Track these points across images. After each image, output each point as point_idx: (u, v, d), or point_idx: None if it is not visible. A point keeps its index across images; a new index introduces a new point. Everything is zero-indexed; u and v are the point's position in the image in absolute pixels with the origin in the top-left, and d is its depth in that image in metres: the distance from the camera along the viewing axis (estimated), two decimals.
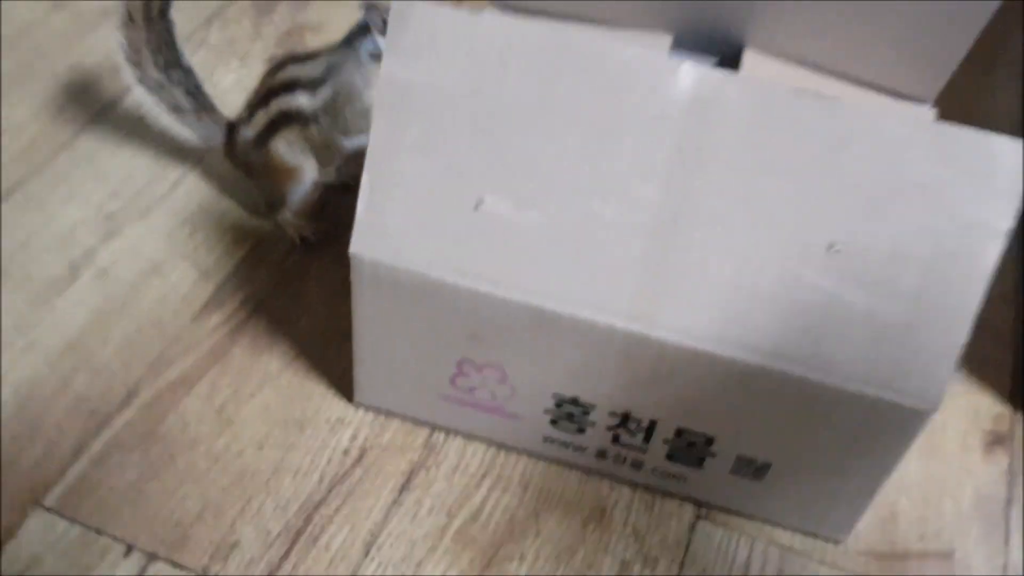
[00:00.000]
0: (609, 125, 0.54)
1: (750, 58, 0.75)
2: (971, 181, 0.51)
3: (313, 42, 0.98)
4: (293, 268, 0.77)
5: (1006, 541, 0.67)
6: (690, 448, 0.62)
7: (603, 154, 0.55)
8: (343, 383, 0.69)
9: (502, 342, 0.59)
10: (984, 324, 0.81)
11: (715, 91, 0.53)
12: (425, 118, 0.55)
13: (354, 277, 0.59)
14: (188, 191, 0.82)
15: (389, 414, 0.69)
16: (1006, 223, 0.52)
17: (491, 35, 0.54)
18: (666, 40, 0.77)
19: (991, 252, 0.52)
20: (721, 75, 0.53)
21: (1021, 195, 0.51)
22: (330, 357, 0.71)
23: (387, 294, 0.59)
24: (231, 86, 0.92)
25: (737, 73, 0.71)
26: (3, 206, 0.79)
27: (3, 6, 0.98)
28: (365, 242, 0.58)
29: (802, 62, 0.75)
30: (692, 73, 0.53)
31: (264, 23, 1.00)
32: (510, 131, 0.55)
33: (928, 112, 0.72)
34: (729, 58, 0.80)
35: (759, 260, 0.55)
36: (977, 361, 0.78)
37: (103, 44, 0.93)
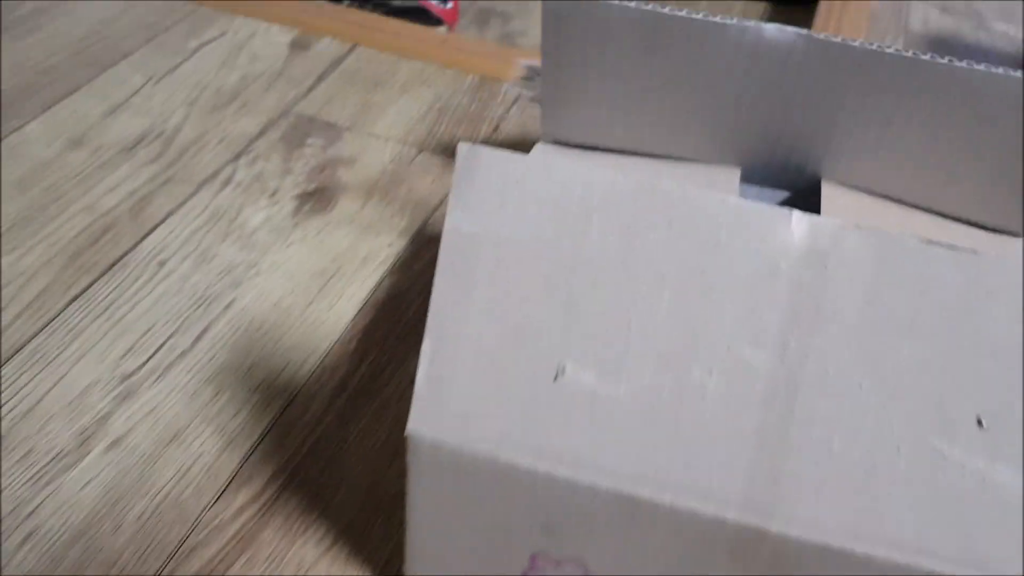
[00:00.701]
0: (708, 282, 0.48)
1: (829, 191, 0.69)
2: None
3: (346, 177, 0.93)
4: (330, 429, 0.70)
5: None
6: None
7: (703, 316, 0.48)
8: (390, 569, 0.61)
9: (585, 535, 0.51)
10: None
11: (832, 242, 0.47)
12: (495, 276, 0.49)
13: (411, 460, 0.52)
14: (212, 345, 0.75)
15: None
16: None
17: (568, 183, 0.48)
18: (734, 174, 0.71)
19: None
20: (838, 224, 0.47)
21: None
22: (374, 538, 0.63)
23: (449, 479, 0.52)
24: (260, 224, 0.86)
25: (818, 212, 0.65)
26: (6, 368, 0.72)
27: (17, 143, 0.93)
28: (425, 420, 0.50)
29: (884, 195, 0.69)
30: (804, 222, 0.47)
31: (295, 158, 0.95)
32: (593, 291, 0.48)
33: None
34: (802, 191, 0.74)
35: (894, 437, 0.47)
36: None
37: (123, 185, 0.89)
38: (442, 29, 1.24)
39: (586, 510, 0.50)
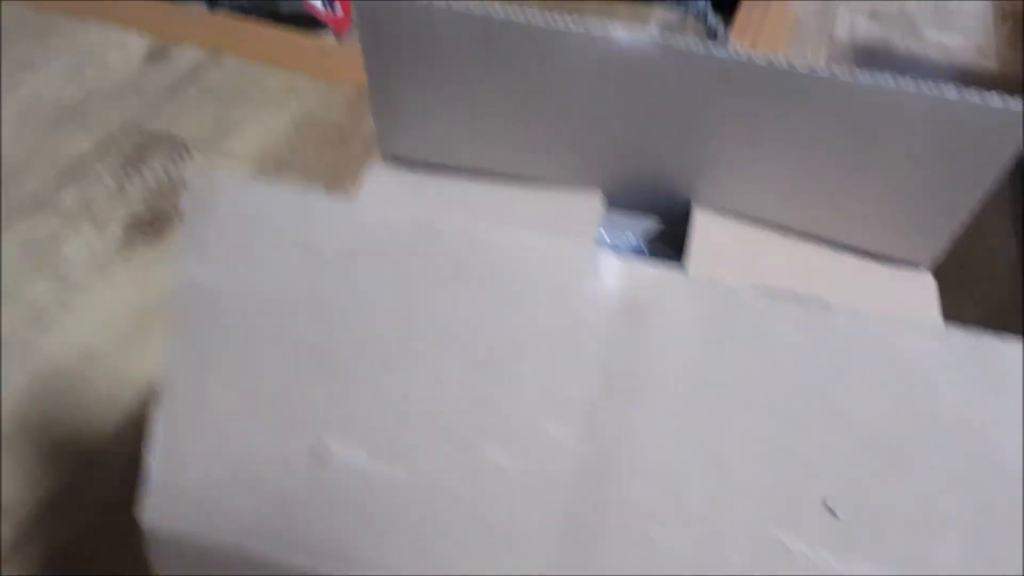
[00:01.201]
0: (505, 345, 0.39)
1: (701, 219, 0.61)
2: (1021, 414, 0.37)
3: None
4: (124, 502, 0.61)
5: None
6: None
7: (498, 385, 0.40)
8: None
9: None
10: None
11: (653, 294, 0.39)
12: (239, 337, 0.40)
13: (152, 553, 0.43)
14: (5, 397, 0.66)
15: None
16: None
17: (330, 221, 0.40)
18: (596, 198, 0.63)
19: None
20: (659, 273, 0.39)
21: None
22: None
23: (196, 571, 0.43)
24: (80, 256, 0.77)
25: (683, 260, 0.57)
26: None
27: None
28: (163, 508, 0.42)
29: (765, 220, 0.62)
30: (618, 271, 0.39)
31: (131, 180, 0.86)
32: (361, 354, 0.40)
33: (928, 280, 0.58)
34: (674, 217, 0.67)
35: (726, 526, 0.39)
36: None
37: None
38: (329, 37, 1.16)
39: None
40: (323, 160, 0.91)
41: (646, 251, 0.67)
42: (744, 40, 1.20)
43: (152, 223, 0.81)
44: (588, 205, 0.62)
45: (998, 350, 0.36)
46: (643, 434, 0.39)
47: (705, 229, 0.60)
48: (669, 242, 0.66)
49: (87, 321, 0.72)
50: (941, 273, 0.76)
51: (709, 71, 0.55)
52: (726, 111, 0.56)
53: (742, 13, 1.23)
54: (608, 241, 0.68)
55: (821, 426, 0.38)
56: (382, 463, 0.40)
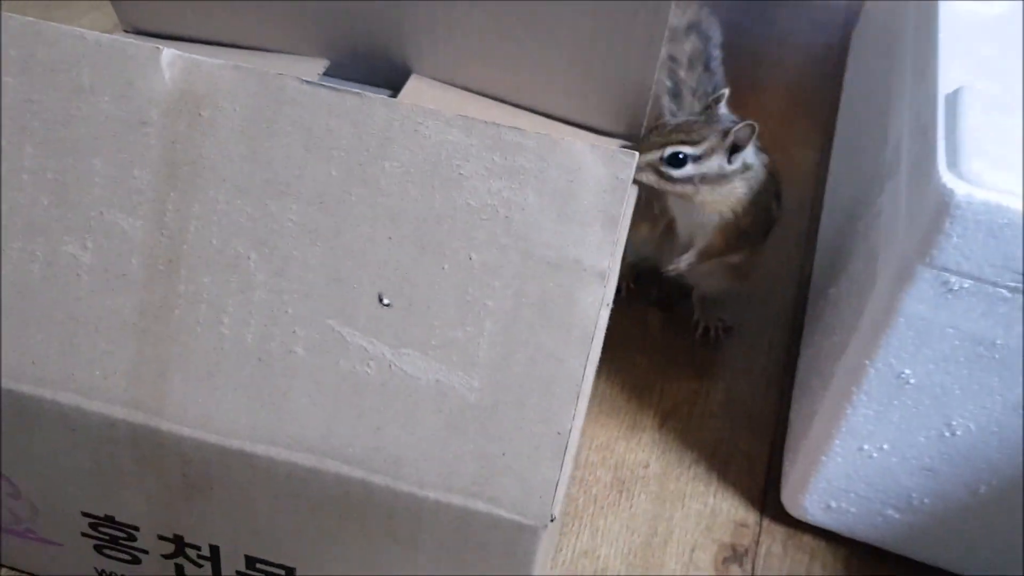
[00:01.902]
0: (75, 135, 0.41)
1: (413, 85, 0.63)
2: (548, 204, 0.38)
3: None
4: None
5: None
6: None
7: (72, 177, 0.41)
8: None
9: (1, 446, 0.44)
10: (736, 406, 0.69)
11: (208, 86, 0.40)
12: None
13: None
14: None
15: None
16: (602, 260, 0.38)
17: None
18: (320, 66, 0.65)
19: (588, 300, 0.39)
20: (215, 64, 0.40)
21: (616, 219, 0.38)
22: None
23: None
24: None
25: None
26: None
27: None
28: None
29: (480, 91, 0.63)
30: (179, 63, 0.40)
31: None
32: None
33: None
34: (398, 88, 0.68)
35: (290, 318, 0.41)
36: (722, 454, 0.64)
37: None
38: None
39: None
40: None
41: None
42: None
43: None
44: (308, 70, 0.64)
45: (515, 139, 0.37)
46: (206, 225, 0.40)
47: (414, 93, 0.62)
48: None
49: None
50: None
51: None
52: None
53: None
54: None
55: (367, 216, 0.39)
56: None
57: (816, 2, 1.23)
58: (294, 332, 0.41)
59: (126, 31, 0.68)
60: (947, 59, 0.55)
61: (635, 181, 0.57)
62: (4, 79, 0.41)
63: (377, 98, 0.39)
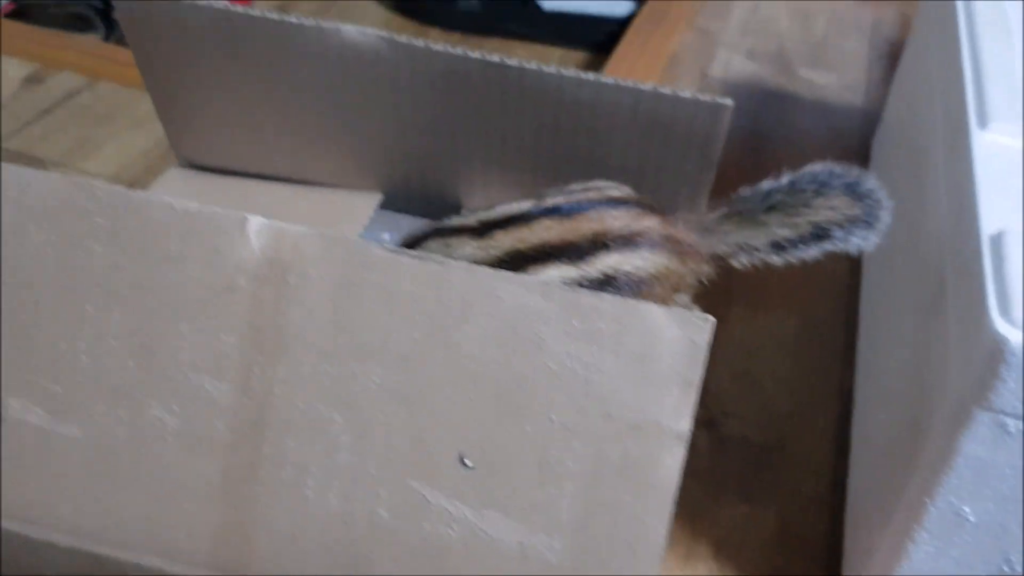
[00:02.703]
0: (161, 301, 0.42)
1: None
2: (627, 367, 0.39)
3: None
4: None
5: None
6: None
7: (158, 341, 0.42)
8: None
9: None
10: (789, 532, 0.69)
11: (294, 253, 0.41)
12: None
13: None
14: None
15: None
16: (682, 423, 0.39)
17: (2, 185, 0.42)
18: (374, 200, 0.67)
19: (668, 462, 0.39)
20: (301, 232, 0.41)
21: (694, 383, 0.38)
22: None
23: None
24: None
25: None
26: None
27: None
28: None
29: None
30: (264, 230, 0.41)
31: None
32: (35, 314, 0.42)
33: None
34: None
35: (373, 480, 0.41)
36: None
37: None
38: None
39: (48, 568, 0.44)
40: None
41: None
42: (618, 73, 1.24)
43: None
44: (364, 203, 0.65)
45: (592, 303, 0.38)
46: (291, 389, 0.41)
47: None
48: None
49: None
50: (766, 290, 0.79)
51: (432, 65, 0.57)
52: (459, 103, 0.59)
53: (620, 47, 1.27)
54: (390, 241, 0.71)
55: (448, 378, 0.40)
56: (58, 421, 0.42)
57: (835, 107, 1.25)
58: (377, 494, 0.41)
59: (180, 165, 0.70)
60: (987, 198, 0.56)
61: None
62: (93, 246, 0.42)
63: (458, 265, 0.40)
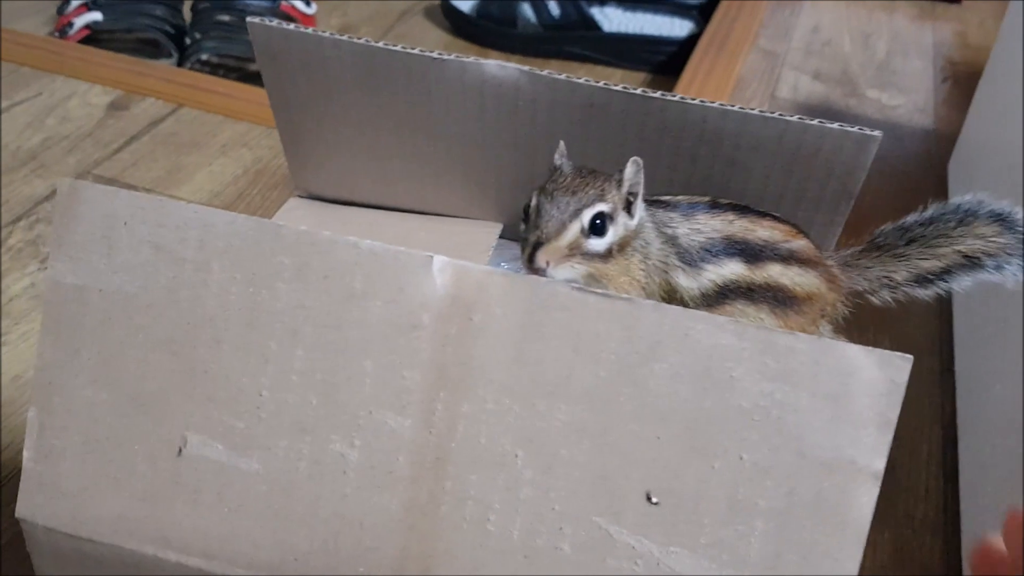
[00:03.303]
0: (345, 338, 0.42)
1: None
2: (822, 406, 0.39)
3: None
4: None
5: None
6: None
7: (341, 377, 0.42)
8: None
9: None
10: (906, 559, 0.68)
11: (478, 291, 0.41)
12: (105, 335, 0.43)
13: (30, 545, 0.45)
14: None
15: None
16: (878, 461, 0.39)
17: (183, 225, 0.43)
18: (495, 230, 0.67)
19: (863, 500, 0.39)
20: (484, 271, 0.41)
21: (892, 422, 0.38)
22: None
23: (73, 564, 0.45)
24: (22, 291, 0.80)
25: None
26: None
27: None
28: (36, 503, 0.44)
29: None
30: (448, 269, 0.42)
31: None
32: (217, 350, 0.43)
33: None
34: None
35: (556, 515, 0.41)
36: None
37: None
38: None
39: None
40: (268, 203, 0.94)
41: None
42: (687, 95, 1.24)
43: None
44: (485, 233, 0.66)
45: (787, 343, 0.38)
46: (474, 424, 0.41)
47: None
48: None
49: (19, 351, 0.75)
50: (858, 311, 0.78)
51: (573, 97, 0.58)
52: (595, 134, 0.59)
53: (688, 70, 1.27)
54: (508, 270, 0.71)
55: (635, 415, 0.40)
56: (237, 456, 0.43)
57: (906, 129, 1.25)
58: (560, 529, 0.41)
59: (299, 196, 0.71)
60: None
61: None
62: (277, 285, 0.42)
63: (647, 303, 0.40)
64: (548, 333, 0.41)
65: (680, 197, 0.54)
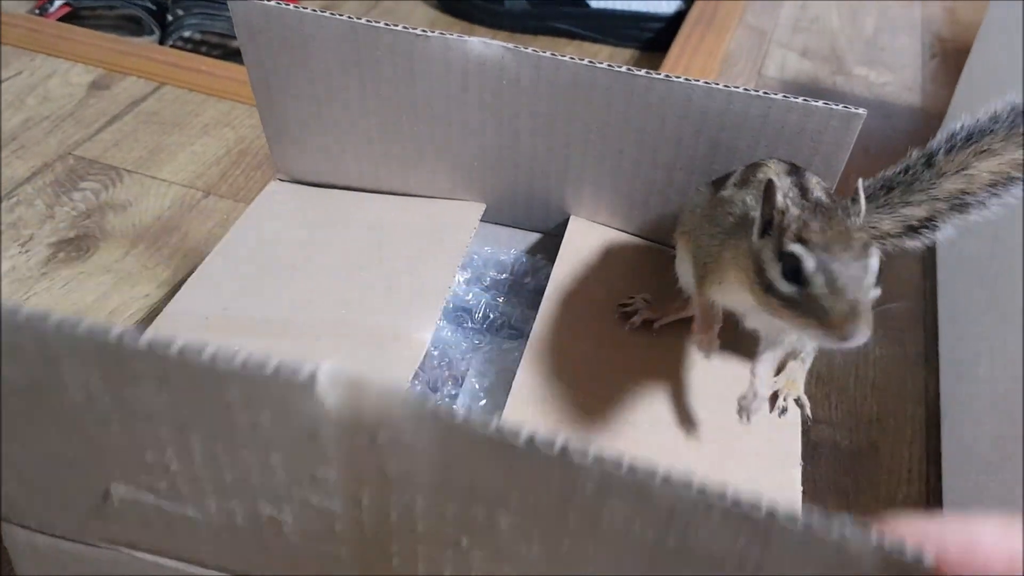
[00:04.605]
0: (243, 435, 0.36)
1: (575, 227, 0.64)
2: None
3: (114, 224, 0.86)
4: None
5: None
6: None
7: (251, 463, 0.37)
8: None
9: None
10: None
11: (377, 419, 0.34)
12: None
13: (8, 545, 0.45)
14: None
15: None
16: None
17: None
18: (478, 211, 0.66)
19: None
20: (386, 388, 0.33)
21: None
22: None
23: (52, 565, 0.45)
24: (4, 276, 0.79)
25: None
26: None
27: None
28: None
29: (636, 232, 0.64)
30: (336, 391, 0.33)
31: (61, 203, 0.88)
32: (103, 429, 0.37)
33: None
34: (552, 232, 0.69)
35: None
36: None
37: None
38: None
39: None
40: (251, 183, 0.93)
41: (526, 262, 0.69)
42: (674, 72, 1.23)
43: (76, 244, 0.83)
44: (468, 214, 0.64)
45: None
46: (410, 512, 0.36)
47: (578, 235, 0.62)
48: (549, 254, 0.68)
49: None
50: None
51: (559, 76, 0.56)
52: (582, 116, 0.58)
53: (675, 47, 1.26)
54: (492, 254, 0.70)
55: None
56: (171, 503, 0.39)
57: (894, 106, 1.24)
58: None
59: (281, 179, 0.70)
60: None
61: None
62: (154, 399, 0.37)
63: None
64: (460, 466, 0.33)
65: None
